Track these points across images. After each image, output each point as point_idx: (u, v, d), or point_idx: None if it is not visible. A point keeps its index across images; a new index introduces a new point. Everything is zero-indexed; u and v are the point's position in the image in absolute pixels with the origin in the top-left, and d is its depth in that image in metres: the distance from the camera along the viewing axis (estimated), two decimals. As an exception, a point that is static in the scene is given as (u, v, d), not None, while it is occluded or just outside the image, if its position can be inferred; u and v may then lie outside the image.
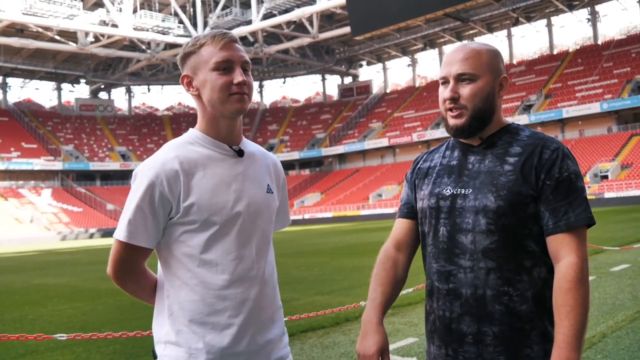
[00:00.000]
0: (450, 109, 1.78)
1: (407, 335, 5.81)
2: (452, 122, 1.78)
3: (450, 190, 1.78)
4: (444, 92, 1.79)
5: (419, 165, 1.96)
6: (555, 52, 67.03)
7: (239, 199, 1.74)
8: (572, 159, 1.70)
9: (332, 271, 12.06)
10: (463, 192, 1.76)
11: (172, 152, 1.73)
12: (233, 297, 1.70)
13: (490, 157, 1.76)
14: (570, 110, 52.86)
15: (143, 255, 1.76)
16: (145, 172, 1.70)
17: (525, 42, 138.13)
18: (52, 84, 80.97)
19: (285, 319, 4.86)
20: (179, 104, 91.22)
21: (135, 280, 1.81)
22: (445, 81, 1.79)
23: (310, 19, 59.51)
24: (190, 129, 1.82)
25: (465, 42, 1.85)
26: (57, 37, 58.00)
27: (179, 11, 61.48)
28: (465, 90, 1.74)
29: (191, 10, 65.14)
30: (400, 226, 1.95)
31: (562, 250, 1.64)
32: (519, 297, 1.67)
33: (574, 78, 58.38)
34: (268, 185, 1.85)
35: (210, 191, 1.71)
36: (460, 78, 1.75)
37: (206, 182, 1.71)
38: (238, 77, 1.71)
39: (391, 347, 5.31)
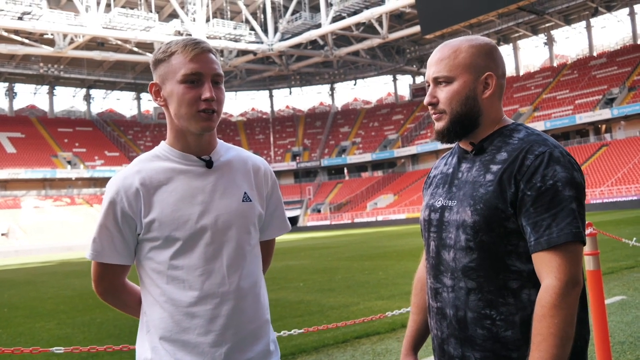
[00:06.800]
0: (433, 114, 1.66)
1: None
2: (435, 126, 1.67)
3: (441, 202, 1.66)
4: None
5: (429, 174, 1.84)
6: (639, 42, 63.68)
7: (205, 211, 1.65)
8: (564, 164, 1.48)
9: (396, 275, 11.84)
10: (450, 204, 1.62)
11: (135, 167, 1.68)
12: (202, 314, 1.62)
13: (477, 165, 1.60)
14: (657, 103, 50.05)
15: (118, 272, 1.72)
16: (108, 189, 1.68)
17: (605, 33, 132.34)
18: (132, 94, 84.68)
19: (339, 323, 4.78)
20: (252, 109, 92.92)
21: (116, 297, 1.78)
22: (428, 84, 1.67)
23: (379, 20, 59.21)
24: (162, 142, 1.75)
25: (448, 41, 1.67)
26: (135, 49, 60.30)
27: (250, 18, 62.69)
28: (442, 93, 1.62)
29: (262, 16, 66.23)
30: None
31: (542, 270, 1.45)
32: (503, 322, 1.50)
33: (661, 68, 55.29)
34: (245, 193, 1.73)
35: (172, 206, 1.64)
36: (437, 81, 1.62)
37: (168, 197, 1.64)
38: (206, 92, 1.61)
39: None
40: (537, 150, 1.50)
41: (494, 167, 1.55)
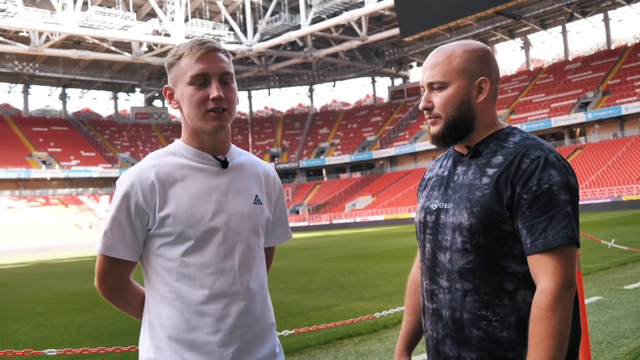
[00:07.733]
0: (428, 118, 1.69)
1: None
2: (430, 130, 1.69)
3: (436, 204, 1.68)
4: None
5: (423, 176, 1.87)
6: (613, 47, 64.79)
7: (220, 210, 1.66)
8: (559, 168, 1.51)
9: (376, 276, 11.91)
10: (446, 206, 1.64)
11: (150, 161, 1.68)
12: (212, 313, 1.62)
13: (473, 168, 1.63)
14: (630, 107, 50.88)
15: (126, 268, 1.71)
16: (121, 182, 1.66)
17: (581, 37, 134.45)
18: (108, 94, 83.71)
19: (323, 325, 4.78)
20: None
21: (120, 295, 1.75)
22: (423, 89, 1.69)
23: (359, 22, 59.37)
24: (176, 140, 1.76)
25: (442, 45, 1.70)
26: (113, 48, 59.69)
27: (229, 18, 62.43)
28: (437, 98, 1.64)
29: (241, 17, 66.02)
30: None
31: (538, 273, 1.47)
32: (499, 323, 1.53)
33: (634, 73, 56.22)
34: (256, 195, 1.75)
35: (187, 202, 1.64)
36: (431, 86, 1.65)
37: (184, 193, 1.65)
38: (214, 92, 1.62)
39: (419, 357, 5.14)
40: (533, 154, 1.53)
41: (490, 171, 1.57)
